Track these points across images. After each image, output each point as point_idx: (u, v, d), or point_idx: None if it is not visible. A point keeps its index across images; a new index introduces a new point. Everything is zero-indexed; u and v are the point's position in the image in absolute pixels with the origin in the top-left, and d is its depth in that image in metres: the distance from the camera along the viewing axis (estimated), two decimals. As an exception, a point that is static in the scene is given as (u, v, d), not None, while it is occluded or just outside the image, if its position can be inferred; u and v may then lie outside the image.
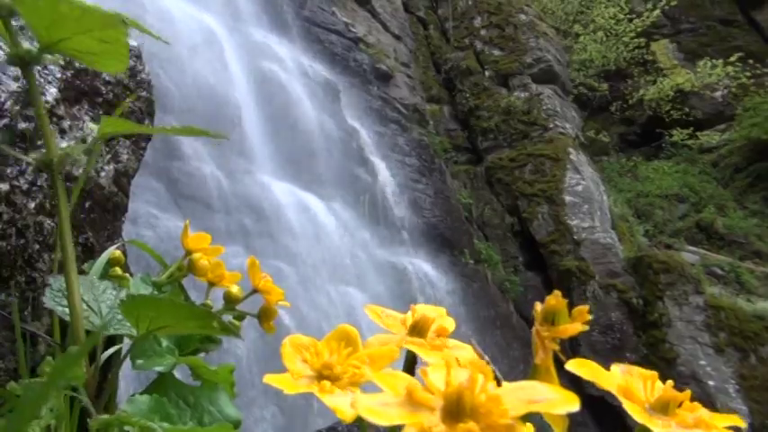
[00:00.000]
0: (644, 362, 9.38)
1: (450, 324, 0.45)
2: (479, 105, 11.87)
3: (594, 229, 10.39)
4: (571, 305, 0.40)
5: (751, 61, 15.28)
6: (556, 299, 0.36)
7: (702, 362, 9.15)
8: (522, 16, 12.81)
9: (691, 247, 12.08)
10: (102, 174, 0.84)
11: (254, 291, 0.83)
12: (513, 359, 9.16)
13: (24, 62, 0.50)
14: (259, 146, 7.47)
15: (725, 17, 17.57)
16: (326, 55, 9.69)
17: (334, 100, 9.15)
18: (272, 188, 7.12)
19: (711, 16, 17.55)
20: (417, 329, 0.42)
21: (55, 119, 0.76)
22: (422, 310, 0.45)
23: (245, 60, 7.80)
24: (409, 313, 0.45)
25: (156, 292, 0.80)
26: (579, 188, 10.68)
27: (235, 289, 0.83)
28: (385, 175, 9.19)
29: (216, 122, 6.88)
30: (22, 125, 0.71)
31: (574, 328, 0.36)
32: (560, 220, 10.39)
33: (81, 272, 0.78)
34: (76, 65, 0.84)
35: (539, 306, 0.38)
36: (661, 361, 9.28)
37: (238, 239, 6.59)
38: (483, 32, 12.65)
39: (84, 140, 0.77)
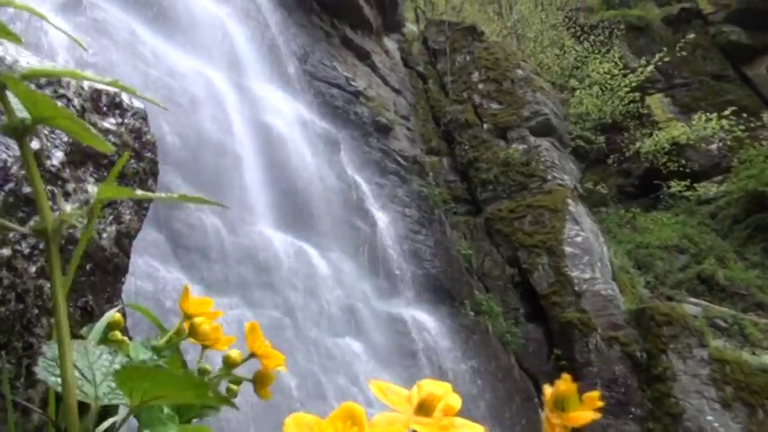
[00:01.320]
0: (650, 417, 9.16)
1: (457, 402, 0.44)
2: (478, 157, 12.01)
3: (595, 281, 10.33)
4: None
5: (745, 115, 15.57)
6: (566, 383, 0.35)
7: (709, 417, 8.94)
8: (519, 71, 13.11)
9: (693, 299, 11.99)
10: (104, 235, 0.84)
11: (252, 355, 0.81)
12: (515, 413, 8.95)
13: (18, 132, 0.51)
14: (259, 197, 7.51)
15: (717, 72, 18.00)
16: (327, 108, 9.86)
17: (335, 152, 9.26)
18: (272, 239, 7.12)
19: (704, 72, 17.97)
20: (424, 408, 0.41)
21: (60, 182, 0.77)
22: (428, 386, 0.44)
23: (248, 113, 7.92)
24: (415, 389, 0.44)
25: (155, 357, 0.79)
26: (579, 239, 10.68)
27: (234, 353, 0.81)
28: (384, 226, 9.20)
29: (217, 174, 6.94)
30: (27, 189, 0.72)
31: (585, 416, 0.35)
32: (561, 271, 10.34)
33: (79, 336, 0.77)
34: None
35: (548, 390, 0.37)
36: (666, 416, 9.07)
37: (237, 290, 6.55)
38: (481, 87, 12.92)
39: (87, 203, 0.77)
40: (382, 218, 9.33)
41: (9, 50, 0.78)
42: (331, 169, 8.88)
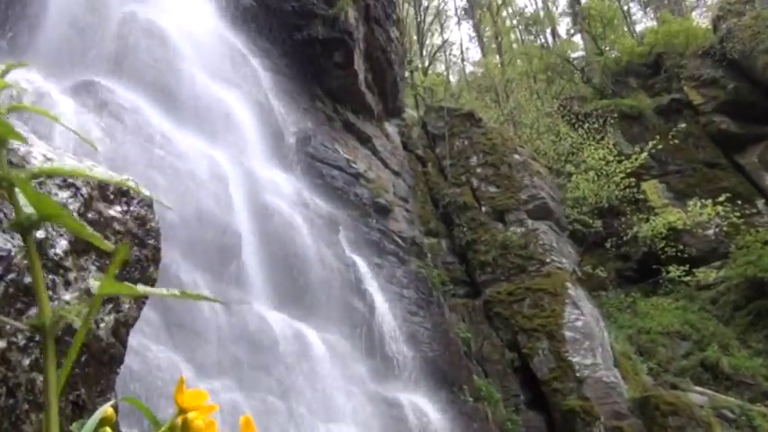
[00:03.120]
0: None
1: None
2: (477, 239, 12.06)
3: (597, 367, 10.10)
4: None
5: (739, 201, 15.77)
6: None
7: None
8: (516, 156, 13.41)
9: (698, 388, 11.68)
10: (102, 325, 0.82)
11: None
12: None
13: (24, 228, 0.51)
14: (257, 276, 7.47)
15: (710, 160, 18.42)
16: (328, 189, 9.99)
17: (334, 232, 9.30)
18: (268, 319, 7.02)
19: (697, 159, 18.39)
20: None
21: (61, 270, 0.77)
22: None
23: (249, 193, 8.02)
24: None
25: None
26: (579, 324, 10.54)
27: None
28: (382, 307, 9.10)
29: (216, 252, 6.93)
30: (28, 279, 0.71)
31: None
32: (561, 356, 10.14)
33: (68, 432, 0.74)
34: (89, 215, 0.87)
35: None
36: None
37: (231, 372, 6.38)
38: (479, 170, 13.17)
39: (88, 292, 0.76)
40: (380, 299, 9.24)
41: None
42: (330, 249, 8.89)
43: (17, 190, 0.52)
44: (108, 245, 0.50)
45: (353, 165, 10.66)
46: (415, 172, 13.25)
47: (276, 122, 9.73)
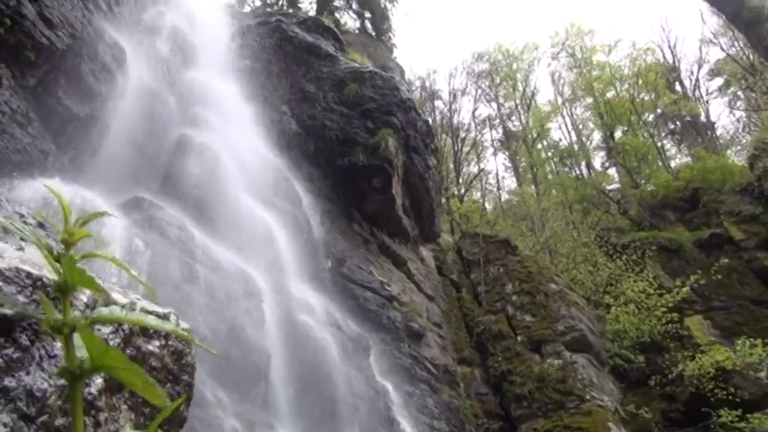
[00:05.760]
0: None
1: None
2: (512, 370, 11.58)
3: None
4: None
5: (792, 342, 14.92)
6: None
7: None
8: (553, 285, 13.19)
9: None
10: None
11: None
12: None
13: (74, 377, 0.50)
14: (283, 397, 7.26)
15: (756, 297, 17.74)
16: (360, 311, 9.92)
17: (364, 355, 9.09)
18: (292, 446, 6.72)
19: (742, 296, 17.75)
20: None
21: (93, 411, 0.75)
22: None
23: (281, 311, 8.01)
24: None
25: None
26: (623, 470, 9.73)
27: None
28: (412, 439, 8.63)
29: (243, 370, 6.81)
30: (60, 420, 0.69)
31: None
32: (605, 507, 9.28)
33: None
34: (127, 351, 0.86)
35: None
36: None
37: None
38: (514, 298, 12.95)
39: (117, 433, 0.74)
40: (409, 429, 8.80)
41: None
42: (360, 373, 8.65)
43: (75, 335, 0.52)
44: (164, 401, 0.49)
45: (387, 287, 10.63)
46: (450, 297, 13.11)
47: (314, 243, 9.92)
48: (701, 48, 30.66)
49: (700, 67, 31.25)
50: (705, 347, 15.88)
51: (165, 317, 0.92)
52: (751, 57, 25.19)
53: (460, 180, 29.11)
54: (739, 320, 16.92)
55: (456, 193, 27.05)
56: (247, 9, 20.16)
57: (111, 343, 0.83)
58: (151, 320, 0.56)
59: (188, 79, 10.31)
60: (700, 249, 19.30)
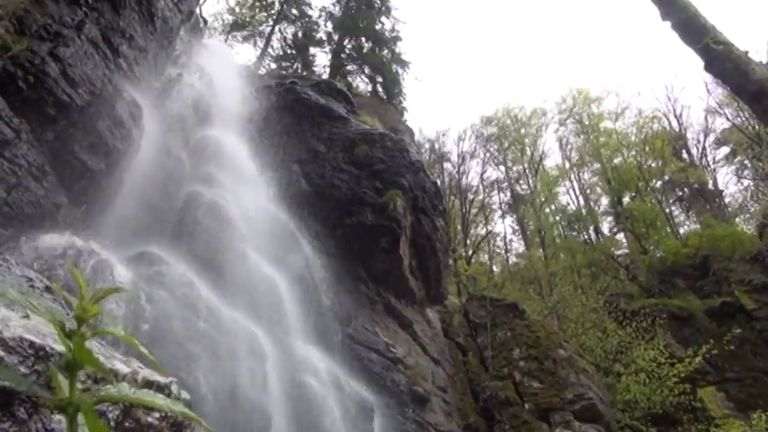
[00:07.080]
0: None
1: None
2: (519, 440, 11.22)
3: None
4: None
5: (809, 419, 14.38)
6: None
7: None
8: (561, 351, 12.93)
9: None
10: None
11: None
12: None
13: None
14: (283, 463, 7.05)
15: (770, 369, 17.28)
16: (364, 372, 9.73)
17: (368, 420, 8.85)
18: None
19: (756, 367, 17.29)
20: None
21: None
22: None
23: (285, 372, 7.87)
24: None
25: None
26: None
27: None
28: None
29: (243, 433, 6.64)
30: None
31: None
32: None
33: None
34: (126, 424, 0.84)
35: None
36: None
37: None
38: (522, 364, 12.68)
39: None
40: (412, 501, 8.47)
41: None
42: (362, 439, 8.41)
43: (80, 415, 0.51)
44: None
45: (392, 349, 10.46)
46: (455, 360, 12.86)
47: (319, 302, 9.84)
48: (706, 117, 31.08)
49: (706, 136, 31.63)
50: (720, 421, 15.35)
51: (166, 387, 0.91)
52: (756, 127, 25.49)
53: (468, 242, 29.09)
54: (754, 393, 16.41)
55: (463, 254, 26.98)
56: (263, 71, 20.80)
57: (110, 415, 0.81)
58: (159, 401, 0.56)
59: (202, 137, 10.53)
60: (711, 318, 18.97)
